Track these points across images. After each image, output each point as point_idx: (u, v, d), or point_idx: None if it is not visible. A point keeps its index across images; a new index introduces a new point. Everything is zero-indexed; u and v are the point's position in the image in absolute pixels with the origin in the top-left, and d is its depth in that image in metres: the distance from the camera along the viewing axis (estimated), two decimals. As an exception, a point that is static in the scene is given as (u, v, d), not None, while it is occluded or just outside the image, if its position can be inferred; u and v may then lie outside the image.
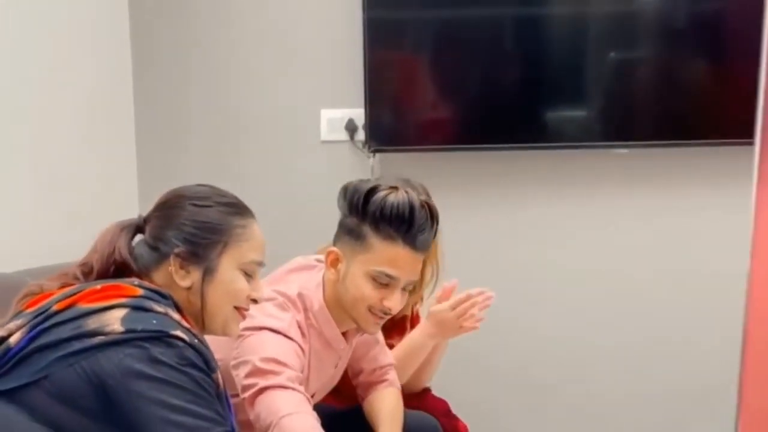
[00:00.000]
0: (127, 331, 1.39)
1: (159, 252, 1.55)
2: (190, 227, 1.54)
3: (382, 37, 2.91)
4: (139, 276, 1.53)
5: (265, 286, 1.88)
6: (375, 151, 2.97)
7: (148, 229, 1.58)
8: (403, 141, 3.00)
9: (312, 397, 1.92)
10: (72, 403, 1.38)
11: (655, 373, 3.00)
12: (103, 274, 1.53)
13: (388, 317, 1.86)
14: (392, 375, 2.11)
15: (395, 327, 2.28)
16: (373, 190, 1.78)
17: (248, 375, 1.73)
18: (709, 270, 2.89)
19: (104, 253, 1.54)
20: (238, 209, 1.60)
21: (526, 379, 3.07)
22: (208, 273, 1.54)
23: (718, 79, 2.84)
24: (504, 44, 2.95)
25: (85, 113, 2.90)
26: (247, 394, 1.72)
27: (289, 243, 2.29)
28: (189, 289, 1.54)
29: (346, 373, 2.11)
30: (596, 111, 2.92)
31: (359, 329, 1.92)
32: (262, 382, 1.70)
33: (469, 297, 2.06)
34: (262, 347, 1.75)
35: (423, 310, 2.31)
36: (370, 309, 1.82)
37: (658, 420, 3.02)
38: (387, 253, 1.76)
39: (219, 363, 1.52)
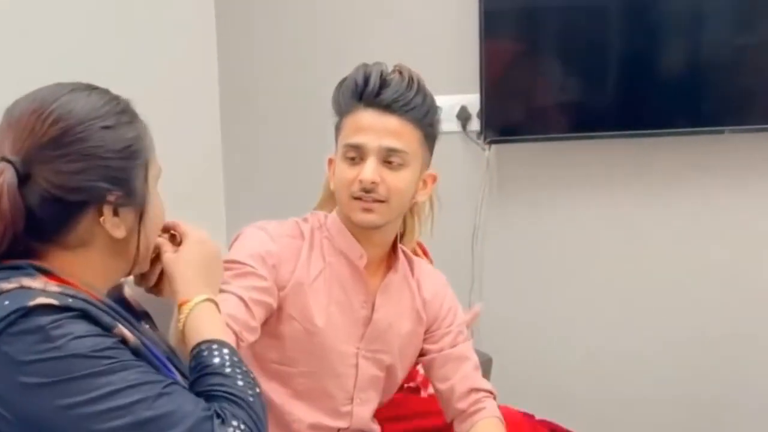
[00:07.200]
0: None
1: (77, 206, 1.18)
2: (116, 160, 1.19)
3: (497, 19, 2.65)
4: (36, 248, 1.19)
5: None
6: (491, 143, 2.70)
7: (41, 178, 1.18)
8: (525, 130, 2.72)
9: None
10: None
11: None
12: None
13: (371, 196, 1.69)
14: (490, 404, 1.86)
15: None
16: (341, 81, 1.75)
17: None
18: None
19: None
20: (133, 113, 1.25)
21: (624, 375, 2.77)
22: (142, 209, 1.23)
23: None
24: (622, 29, 2.71)
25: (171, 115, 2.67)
26: None
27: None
28: (122, 238, 1.21)
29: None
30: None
31: (370, 245, 1.77)
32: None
33: None
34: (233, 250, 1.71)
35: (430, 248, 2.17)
36: (352, 195, 1.70)
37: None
38: (351, 123, 1.70)
39: None
